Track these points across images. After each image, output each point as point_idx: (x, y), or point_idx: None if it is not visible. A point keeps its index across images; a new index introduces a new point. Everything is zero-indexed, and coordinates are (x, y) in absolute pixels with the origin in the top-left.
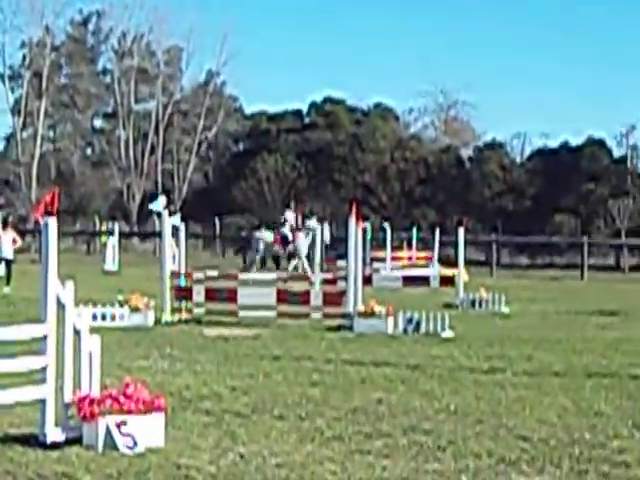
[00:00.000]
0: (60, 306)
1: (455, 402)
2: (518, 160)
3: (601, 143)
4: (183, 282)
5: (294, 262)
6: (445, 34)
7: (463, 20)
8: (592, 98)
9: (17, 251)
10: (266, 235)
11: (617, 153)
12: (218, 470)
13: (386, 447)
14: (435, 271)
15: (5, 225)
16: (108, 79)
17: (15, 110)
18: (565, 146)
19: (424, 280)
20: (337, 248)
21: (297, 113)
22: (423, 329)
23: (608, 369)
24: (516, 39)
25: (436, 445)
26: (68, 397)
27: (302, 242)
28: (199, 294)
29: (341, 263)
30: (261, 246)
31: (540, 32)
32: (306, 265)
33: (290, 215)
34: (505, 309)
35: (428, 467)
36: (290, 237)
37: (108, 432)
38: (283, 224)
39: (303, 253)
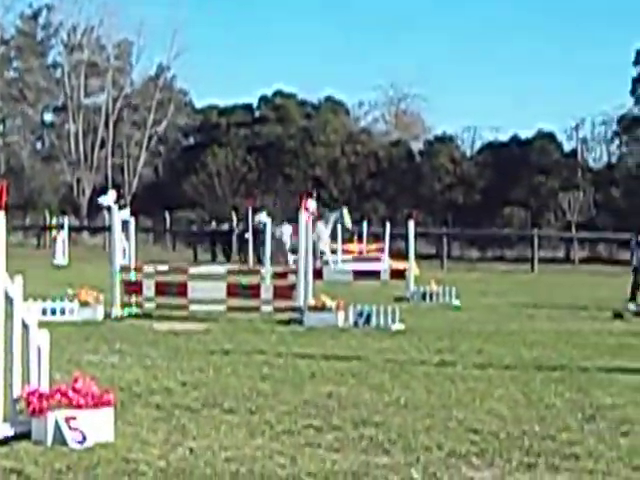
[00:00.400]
0: (9, 301)
1: (405, 395)
2: (468, 153)
3: (551, 136)
4: (133, 276)
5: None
6: (395, 26)
7: (413, 12)
8: (542, 92)
9: None
10: (285, 230)
11: (567, 147)
12: (168, 465)
13: (336, 441)
14: (386, 264)
15: None
16: (58, 73)
17: None
18: (515, 139)
19: (375, 273)
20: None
21: (247, 107)
22: (374, 322)
23: (558, 362)
24: (466, 31)
25: (386, 438)
26: (17, 392)
27: (322, 230)
28: (149, 288)
29: (292, 257)
30: (280, 236)
31: (490, 25)
32: (326, 249)
33: (311, 204)
34: (456, 302)
35: (378, 460)
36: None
37: (57, 427)
38: None
39: (324, 240)
